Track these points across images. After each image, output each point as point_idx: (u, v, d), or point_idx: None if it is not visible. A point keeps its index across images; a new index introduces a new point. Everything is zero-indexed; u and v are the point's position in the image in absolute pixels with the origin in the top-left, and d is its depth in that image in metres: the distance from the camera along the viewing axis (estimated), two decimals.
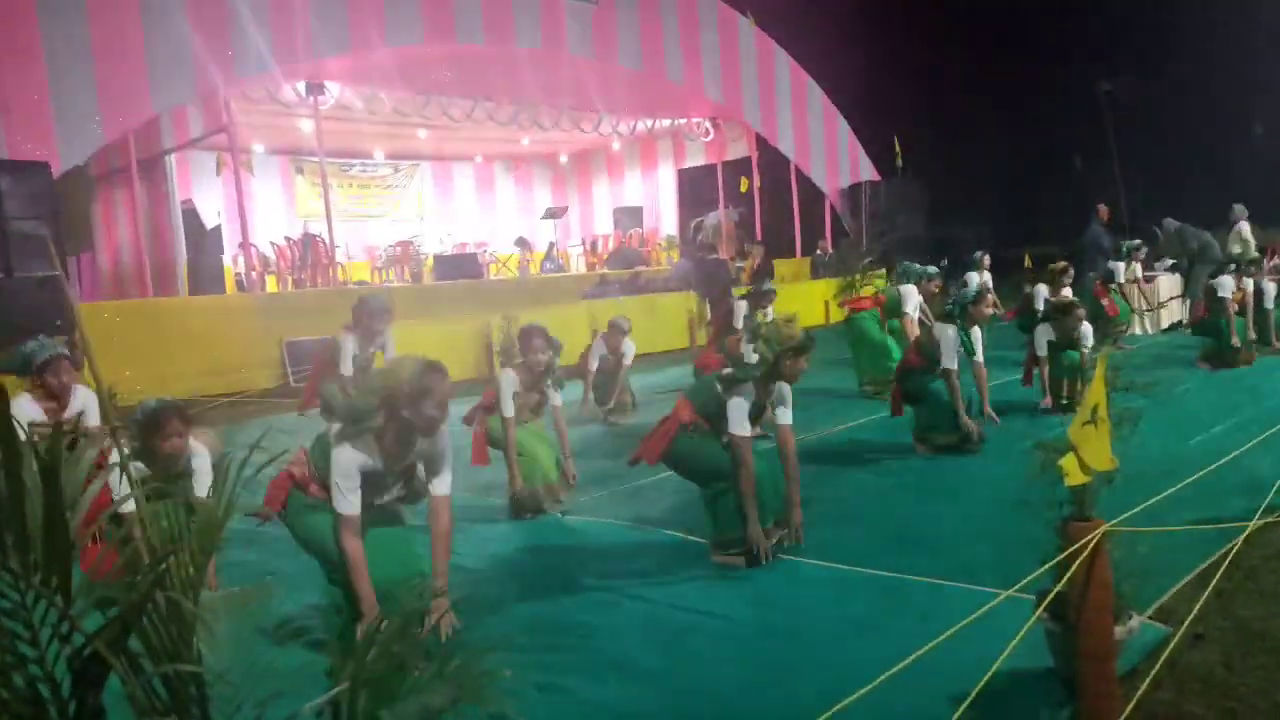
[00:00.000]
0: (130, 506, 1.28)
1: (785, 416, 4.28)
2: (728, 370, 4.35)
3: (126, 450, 3.54)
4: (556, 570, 4.24)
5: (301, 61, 11.99)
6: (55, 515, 1.06)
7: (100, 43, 10.33)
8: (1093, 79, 28.35)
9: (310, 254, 14.30)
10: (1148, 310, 10.84)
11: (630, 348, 8.18)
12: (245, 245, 13.32)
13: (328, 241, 13.81)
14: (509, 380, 5.24)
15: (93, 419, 4.85)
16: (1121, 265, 10.19)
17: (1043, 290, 9.28)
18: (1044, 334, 6.89)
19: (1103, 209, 12.30)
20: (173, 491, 3.48)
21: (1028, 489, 2.88)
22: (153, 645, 1.11)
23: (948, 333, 5.87)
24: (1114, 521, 2.66)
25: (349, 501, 3.10)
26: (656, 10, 15.50)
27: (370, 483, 3.20)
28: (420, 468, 3.35)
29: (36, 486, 1.04)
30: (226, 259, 14.78)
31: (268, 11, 11.36)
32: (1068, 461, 2.51)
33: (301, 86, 12.84)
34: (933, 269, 8.69)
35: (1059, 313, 6.97)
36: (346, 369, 6.50)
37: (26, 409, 4.53)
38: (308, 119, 13.82)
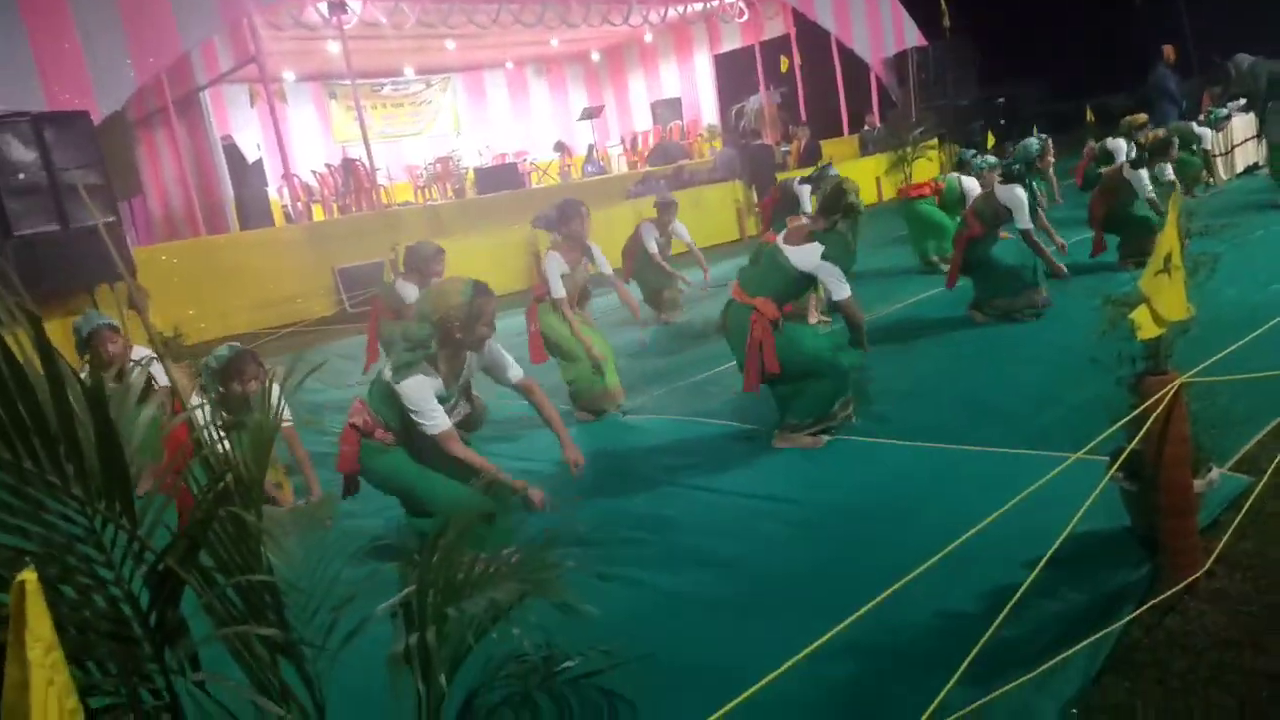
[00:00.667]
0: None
1: (843, 290, 4.14)
2: (807, 238, 4.12)
3: (198, 396, 3.69)
4: (623, 468, 4.29)
5: None
6: (108, 441, 1.07)
7: None
8: None
9: (352, 179, 14.30)
10: (1221, 155, 10.26)
11: (683, 228, 7.99)
12: (288, 176, 13.36)
13: (368, 165, 13.77)
14: (554, 262, 5.19)
15: (160, 380, 4.89)
16: (1209, 133, 9.59)
17: (1122, 145, 8.72)
18: (1143, 179, 6.55)
19: (1168, 50, 11.54)
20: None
21: (1098, 347, 2.78)
22: (222, 559, 1.14)
23: (1016, 192, 5.67)
24: (1191, 373, 2.56)
25: (439, 420, 3.20)
26: None
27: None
28: (473, 386, 3.43)
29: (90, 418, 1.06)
30: (271, 191, 14.88)
31: None
32: (1140, 314, 2.40)
33: (324, 7, 12.61)
34: (992, 159, 8.26)
35: (1157, 152, 6.65)
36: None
37: None
38: (334, 40, 13.60)
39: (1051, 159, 5.90)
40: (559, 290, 5.14)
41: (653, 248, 7.76)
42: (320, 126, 17.65)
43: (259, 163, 14.43)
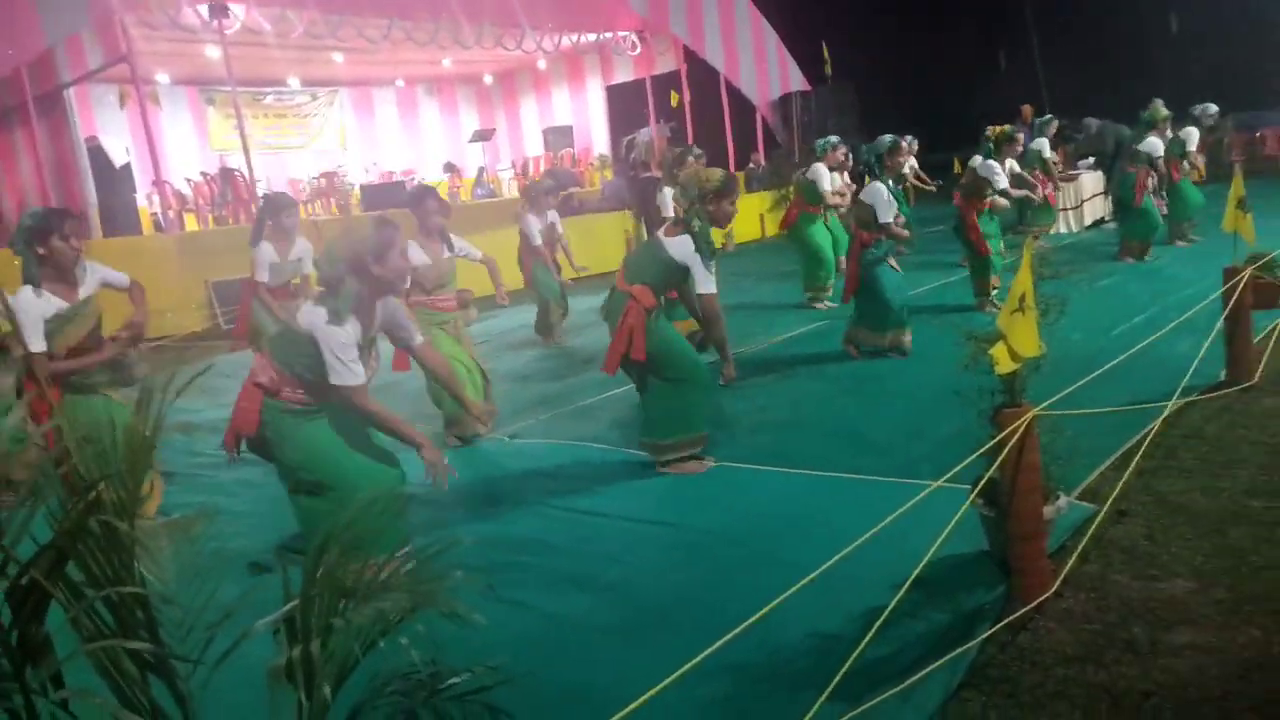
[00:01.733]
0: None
1: (708, 285, 4.13)
2: (681, 231, 4.13)
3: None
4: (507, 491, 4.27)
5: None
6: None
7: None
8: None
9: (230, 189, 13.77)
10: (1071, 209, 11.07)
11: (556, 217, 8.05)
12: (159, 182, 12.76)
13: (247, 175, 13.28)
14: (409, 249, 5.01)
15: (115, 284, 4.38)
16: (1044, 141, 10.26)
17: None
18: (994, 169, 7.06)
19: (1026, 109, 12.43)
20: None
21: (960, 381, 2.97)
22: (92, 572, 1.09)
23: (877, 188, 5.80)
24: (1042, 406, 2.77)
25: (357, 371, 3.07)
26: None
27: (362, 358, 3.16)
28: (377, 343, 3.35)
29: None
30: (140, 198, 14.14)
31: None
32: (998, 350, 2.58)
33: (204, 9, 12.14)
34: (833, 138, 8.71)
35: (1004, 143, 7.16)
36: (263, 276, 6.12)
37: (31, 303, 3.77)
38: (214, 45, 13.11)
39: (904, 160, 6.16)
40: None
41: (536, 239, 7.76)
42: (196, 133, 16.94)
43: (127, 167, 13.68)
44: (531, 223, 7.86)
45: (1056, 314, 2.88)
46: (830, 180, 8.14)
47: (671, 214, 7.41)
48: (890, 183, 5.86)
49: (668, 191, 8.07)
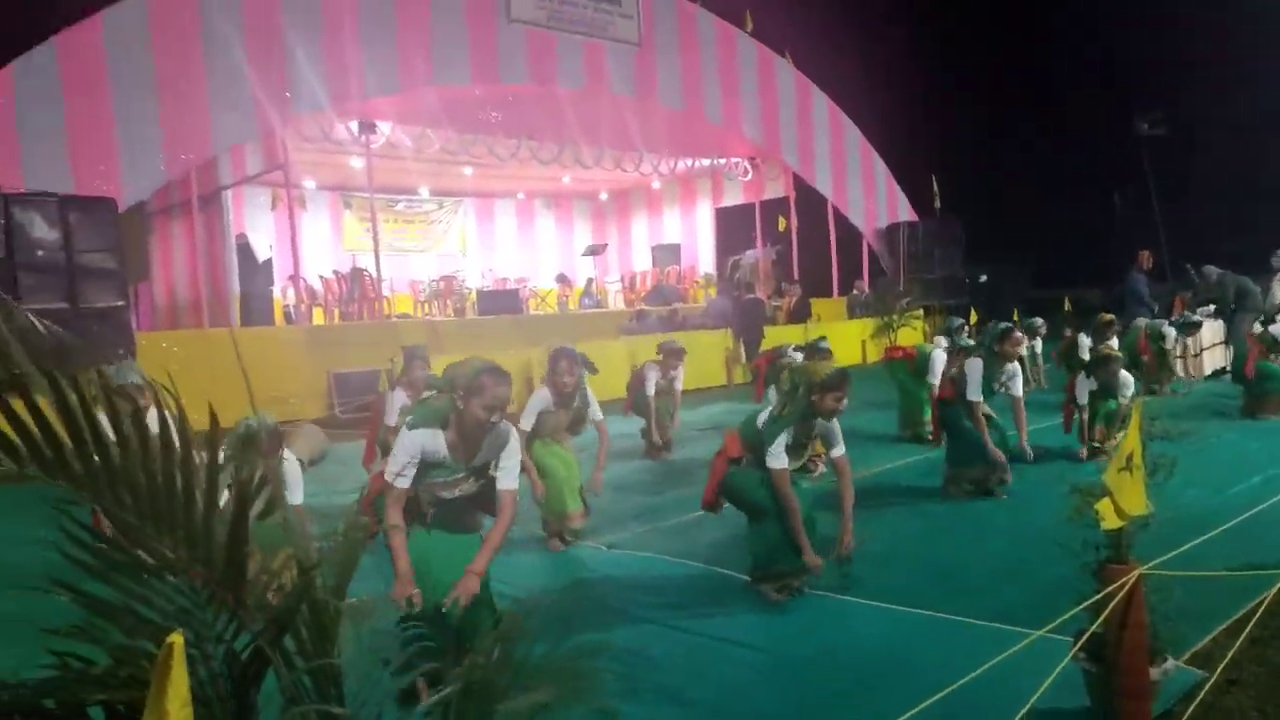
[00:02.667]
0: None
1: (838, 449, 4.48)
2: (771, 409, 4.50)
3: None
4: (603, 601, 4.37)
5: (354, 101, 12.46)
6: (240, 524, 1.24)
7: (165, 83, 10.82)
8: (1132, 118, 28.33)
9: (358, 288, 14.69)
10: (1190, 356, 10.79)
11: (681, 374, 8.36)
12: (295, 277, 13.73)
13: (375, 276, 14.20)
14: (539, 396, 5.42)
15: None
16: (1173, 333, 10.16)
17: (1085, 341, 9.22)
18: (1084, 385, 6.94)
19: (1144, 255, 12.31)
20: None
21: (1063, 532, 2.98)
22: (302, 644, 1.28)
23: (974, 364, 5.95)
24: (1150, 565, 2.76)
25: (400, 476, 3.23)
26: (696, 51, 15.86)
27: (432, 466, 3.28)
28: (495, 472, 3.41)
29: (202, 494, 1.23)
30: (276, 291, 15.23)
31: (322, 53, 11.84)
32: (1104, 506, 2.62)
33: (354, 125, 13.30)
34: (969, 341, 8.63)
35: (1099, 365, 7.03)
36: (391, 420, 6.46)
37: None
38: (358, 156, 14.29)
39: (1016, 348, 6.15)
40: (526, 423, 5.29)
41: (651, 391, 8.06)
42: (332, 233, 18.21)
43: (268, 262, 14.84)
44: (650, 379, 8.11)
45: (1165, 475, 2.90)
46: (939, 376, 8.16)
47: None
48: (995, 365, 6.01)
49: (797, 356, 8.11)
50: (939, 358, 7.95)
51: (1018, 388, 6.15)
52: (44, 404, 1.27)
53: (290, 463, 4.22)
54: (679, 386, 8.32)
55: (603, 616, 4.15)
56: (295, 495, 4.15)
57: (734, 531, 5.28)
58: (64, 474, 1.19)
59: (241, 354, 11.36)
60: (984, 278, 21.87)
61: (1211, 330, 11.17)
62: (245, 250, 14.40)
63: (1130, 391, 6.93)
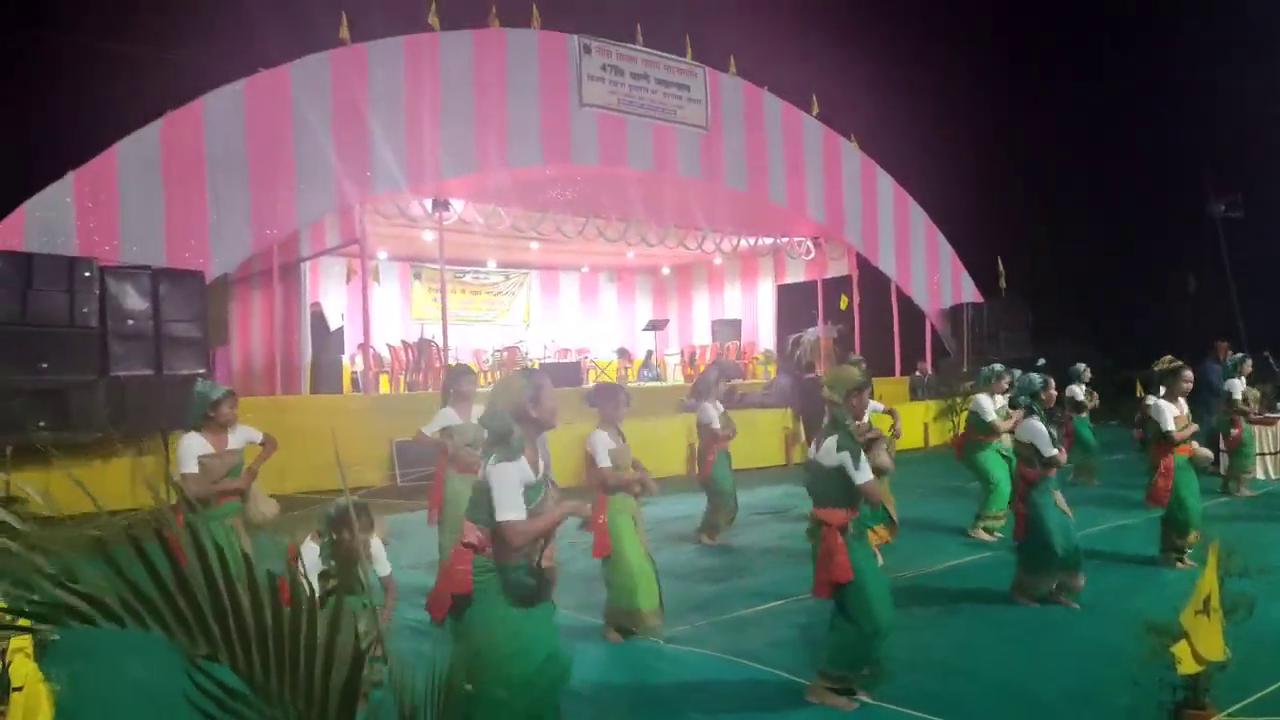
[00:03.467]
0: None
1: (863, 475, 4.21)
2: (826, 438, 4.34)
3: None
4: (658, 699, 4.35)
5: (430, 181, 12.96)
6: (354, 677, 1.31)
7: (256, 163, 11.43)
8: (1205, 199, 27.86)
9: (424, 357, 15.05)
10: (1270, 454, 10.42)
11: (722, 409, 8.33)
12: (365, 346, 14.14)
13: (441, 345, 14.55)
14: (600, 439, 5.44)
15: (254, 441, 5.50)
16: (1237, 382, 9.82)
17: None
18: (1162, 410, 6.70)
19: (1221, 346, 11.98)
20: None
21: (1137, 663, 2.91)
22: None
23: (1033, 424, 5.77)
24: (1229, 711, 2.68)
25: (516, 507, 3.15)
26: (762, 134, 16.16)
27: (531, 497, 3.25)
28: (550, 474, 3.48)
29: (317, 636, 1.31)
30: (345, 358, 15.69)
31: (403, 135, 12.39)
32: (1180, 649, 2.56)
33: (428, 203, 13.80)
34: (997, 366, 8.57)
35: (1168, 377, 6.79)
36: (430, 430, 6.49)
37: (195, 444, 5.12)
38: (431, 230, 14.79)
39: (1052, 395, 6.02)
40: (606, 460, 5.33)
41: (716, 422, 8.12)
42: (401, 302, 18.74)
43: (340, 331, 15.32)
44: (710, 411, 8.17)
45: (1244, 614, 2.82)
46: (994, 410, 8.07)
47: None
48: (1045, 417, 5.85)
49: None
50: (981, 400, 7.98)
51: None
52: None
53: (374, 542, 4.37)
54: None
55: (652, 715, 4.12)
56: (380, 567, 4.37)
57: (794, 631, 5.24)
58: (204, 638, 1.28)
59: (311, 420, 11.70)
60: (1042, 360, 21.43)
61: None
62: (319, 319, 14.91)
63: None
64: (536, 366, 16.91)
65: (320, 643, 1.34)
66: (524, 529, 3.16)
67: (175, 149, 10.95)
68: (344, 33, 12.05)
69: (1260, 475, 10.38)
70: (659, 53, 14.77)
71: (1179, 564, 6.60)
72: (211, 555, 1.28)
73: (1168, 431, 6.60)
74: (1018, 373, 8.72)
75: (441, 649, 3.32)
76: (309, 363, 14.07)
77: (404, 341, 16.05)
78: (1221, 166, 29.52)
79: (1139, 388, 15.80)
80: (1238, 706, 2.79)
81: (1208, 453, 6.94)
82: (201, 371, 10.39)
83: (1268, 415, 10.75)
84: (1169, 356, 9.10)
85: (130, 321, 9.97)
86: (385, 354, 15.96)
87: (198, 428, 5.23)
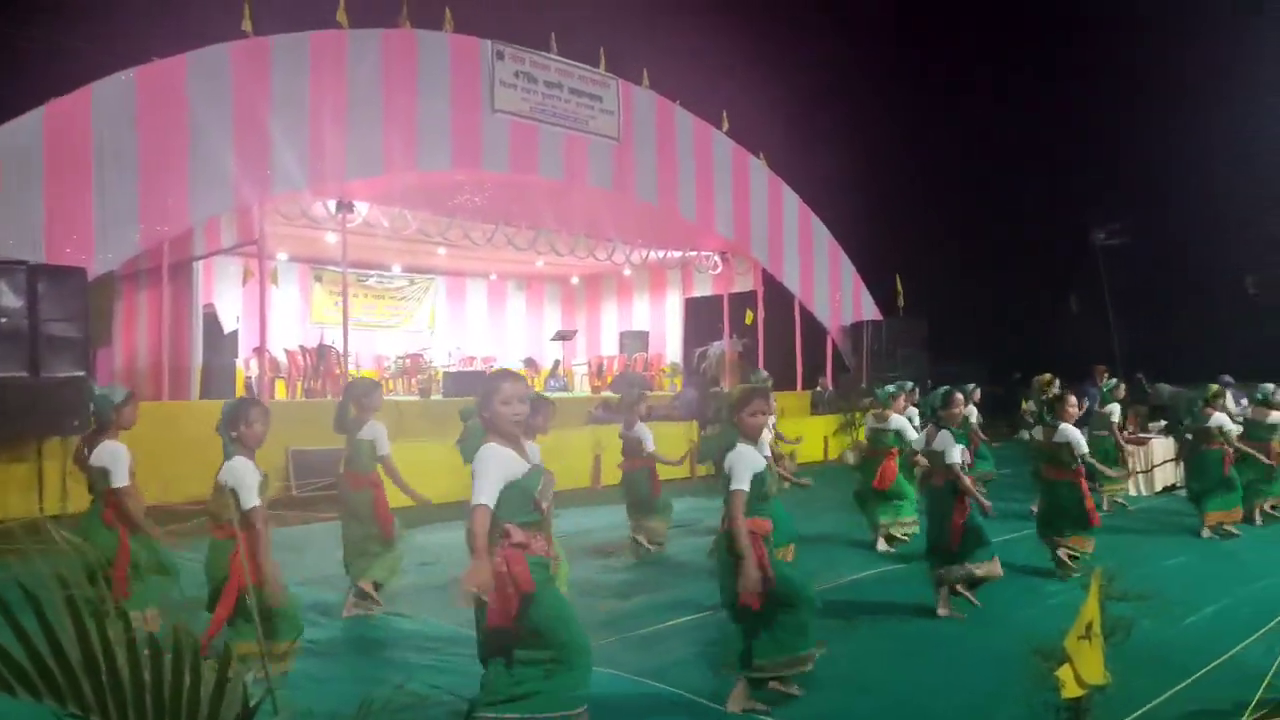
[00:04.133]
0: None
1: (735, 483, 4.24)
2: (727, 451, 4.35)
3: None
4: None
5: (334, 181, 12.61)
6: None
7: (147, 157, 10.91)
8: (1089, 227, 29.48)
9: (324, 363, 14.62)
10: (1142, 472, 11.06)
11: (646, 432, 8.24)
12: (261, 350, 13.65)
13: (341, 351, 14.15)
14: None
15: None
16: (1116, 406, 10.45)
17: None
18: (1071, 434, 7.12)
19: (1099, 370, 12.68)
20: None
21: (1025, 685, 3.02)
22: None
23: (945, 437, 6.03)
24: None
25: (485, 492, 3.17)
26: (673, 149, 16.32)
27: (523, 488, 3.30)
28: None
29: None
30: (239, 362, 15.11)
31: (307, 134, 12.03)
32: (1064, 673, 2.67)
33: (331, 204, 13.43)
34: (907, 383, 9.04)
35: (1055, 403, 7.20)
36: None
37: (124, 453, 5.06)
38: (334, 232, 14.39)
39: (960, 411, 6.29)
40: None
41: (651, 445, 8.19)
42: (300, 306, 18.18)
43: (234, 334, 14.74)
44: (644, 430, 8.16)
45: (1123, 636, 2.97)
46: (905, 425, 8.38)
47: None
48: (951, 429, 6.09)
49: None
50: (900, 420, 8.34)
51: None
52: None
53: None
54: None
55: None
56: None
57: (703, 648, 5.26)
58: (76, 703, 1.19)
59: (201, 428, 11.19)
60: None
61: (1163, 447, 11.47)
62: (212, 321, 14.34)
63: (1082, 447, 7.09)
64: (440, 376, 16.64)
65: (206, 697, 1.26)
66: (481, 523, 3.16)
67: (59, 139, 10.36)
68: (246, 25, 11.62)
69: (1133, 492, 10.98)
70: (573, 62, 14.76)
71: (1054, 544, 7.03)
72: (86, 616, 1.19)
73: (1083, 454, 7.02)
74: (909, 385, 9.13)
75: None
76: (200, 366, 13.49)
77: (302, 346, 15.57)
78: (1104, 196, 31.32)
79: (1024, 403, 16.58)
80: None
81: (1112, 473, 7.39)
82: (81, 374, 9.84)
83: (1140, 435, 11.40)
84: (1048, 375, 9.63)
85: (3, 320, 9.37)
86: (282, 359, 15.44)
87: (105, 434, 5.02)
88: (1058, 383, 9.26)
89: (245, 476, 4.30)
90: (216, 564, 4.42)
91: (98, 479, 5.11)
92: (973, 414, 11.26)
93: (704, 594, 6.14)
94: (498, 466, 3.23)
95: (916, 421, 8.53)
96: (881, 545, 8.17)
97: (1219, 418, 8.79)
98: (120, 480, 4.97)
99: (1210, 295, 31.61)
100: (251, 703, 1.36)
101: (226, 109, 11.40)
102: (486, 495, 3.17)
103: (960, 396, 6.29)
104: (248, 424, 4.40)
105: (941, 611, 5.91)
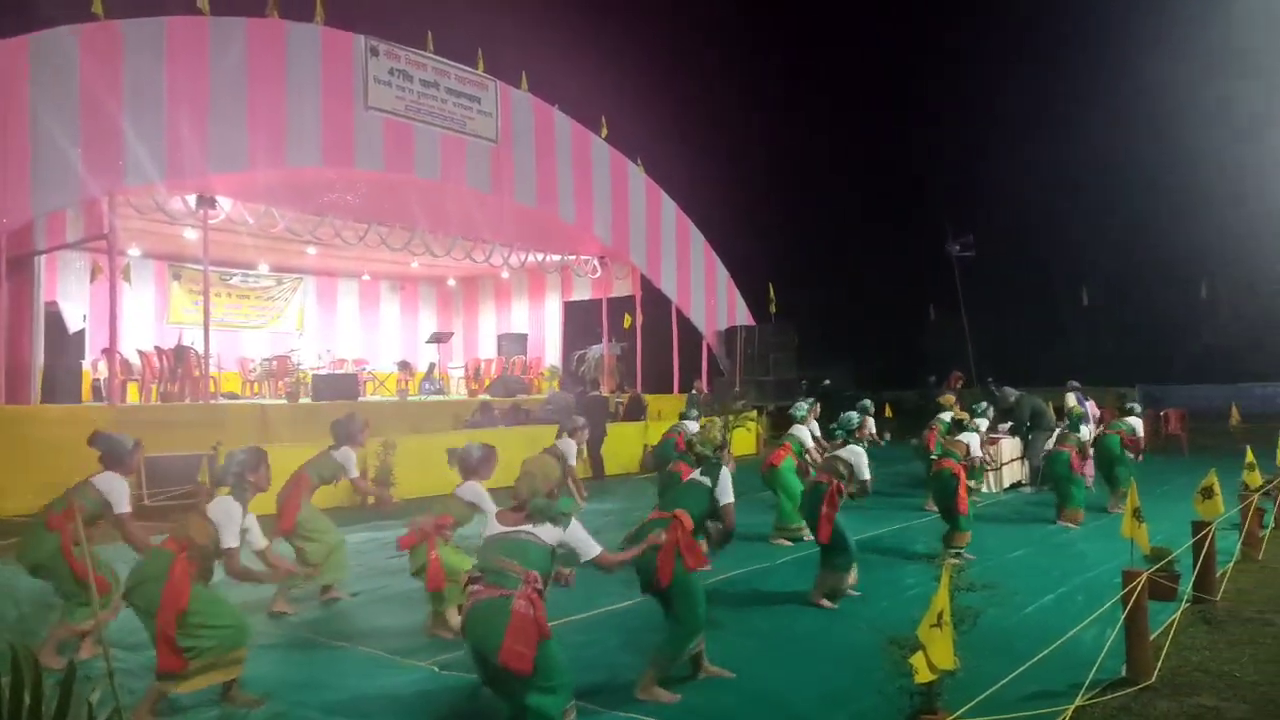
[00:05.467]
0: None
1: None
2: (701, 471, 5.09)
3: None
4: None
5: (194, 175, 12.00)
6: None
7: None
8: (944, 240, 31.25)
9: (182, 364, 13.87)
10: (992, 469, 11.76)
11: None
12: (110, 351, 12.83)
13: (201, 352, 13.46)
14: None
15: None
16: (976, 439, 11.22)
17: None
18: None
19: (954, 376, 13.41)
20: None
21: (881, 672, 3.19)
22: None
23: (857, 451, 6.68)
24: (958, 714, 3.00)
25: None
26: (552, 152, 16.31)
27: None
28: None
29: None
30: (86, 364, 14.14)
31: (163, 125, 11.41)
32: (917, 659, 2.84)
33: (191, 199, 12.77)
34: (811, 400, 10.02)
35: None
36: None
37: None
38: (194, 229, 13.69)
39: (869, 430, 6.90)
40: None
41: (573, 460, 8.63)
42: (157, 305, 17.23)
43: (80, 334, 13.79)
44: (570, 445, 8.31)
45: (970, 625, 3.18)
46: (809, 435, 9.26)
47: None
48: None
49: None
50: (802, 431, 9.05)
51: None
52: None
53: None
54: (571, 462, 8.56)
55: None
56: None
57: (578, 651, 5.27)
58: None
59: (41, 433, 10.44)
60: (827, 381, 23.30)
61: (1010, 446, 12.23)
62: (55, 319, 13.36)
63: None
64: (309, 379, 16.05)
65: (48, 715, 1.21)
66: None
67: None
68: (96, 8, 10.94)
69: (984, 489, 11.67)
70: (450, 62, 14.56)
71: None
72: None
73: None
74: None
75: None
76: (41, 367, 12.57)
77: (158, 348, 14.72)
78: (958, 210, 33.20)
79: (888, 409, 17.38)
80: (965, 709, 3.12)
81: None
82: None
83: (991, 436, 12.10)
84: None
85: None
86: (135, 360, 14.55)
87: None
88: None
89: (233, 521, 4.49)
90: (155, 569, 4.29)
91: None
92: (871, 425, 12.00)
93: (604, 592, 6.16)
94: None
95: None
96: (781, 541, 8.60)
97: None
98: None
99: (1051, 303, 33.95)
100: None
101: (73, 95, 10.69)
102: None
103: (870, 420, 7.03)
104: (257, 473, 4.78)
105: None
